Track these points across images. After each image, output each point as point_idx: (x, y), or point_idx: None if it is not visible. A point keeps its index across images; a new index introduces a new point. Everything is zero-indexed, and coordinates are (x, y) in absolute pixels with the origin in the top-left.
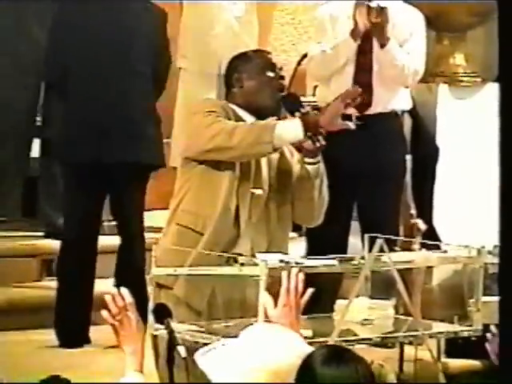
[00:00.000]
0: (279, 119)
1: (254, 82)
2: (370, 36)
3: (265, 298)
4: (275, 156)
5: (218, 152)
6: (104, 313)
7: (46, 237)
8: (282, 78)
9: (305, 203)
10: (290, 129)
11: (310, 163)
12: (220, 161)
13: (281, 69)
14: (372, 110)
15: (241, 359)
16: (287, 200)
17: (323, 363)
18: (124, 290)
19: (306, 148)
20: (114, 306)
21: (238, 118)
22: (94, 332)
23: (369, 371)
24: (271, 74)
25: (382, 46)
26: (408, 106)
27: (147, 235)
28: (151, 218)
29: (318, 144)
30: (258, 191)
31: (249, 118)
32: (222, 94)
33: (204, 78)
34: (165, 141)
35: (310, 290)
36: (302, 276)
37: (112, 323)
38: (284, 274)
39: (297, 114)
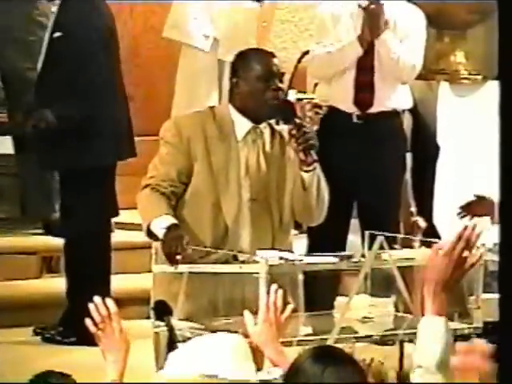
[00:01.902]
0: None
1: (250, 88)
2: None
3: (246, 316)
4: (276, 154)
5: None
6: (87, 321)
7: (45, 234)
8: (280, 89)
9: (303, 209)
10: (157, 228)
11: (305, 170)
12: (214, 158)
13: (281, 76)
14: (373, 109)
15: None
16: (288, 203)
17: (314, 363)
18: (109, 300)
19: (300, 158)
20: (97, 314)
21: (228, 123)
22: None
23: (361, 371)
24: (267, 84)
25: (376, 35)
26: (409, 104)
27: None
28: None
29: (309, 159)
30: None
31: (245, 122)
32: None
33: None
34: (157, 138)
35: (291, 306)
36: (280, 292)
37: (94, 331)
38: (262, 290)
39: (289, 126)
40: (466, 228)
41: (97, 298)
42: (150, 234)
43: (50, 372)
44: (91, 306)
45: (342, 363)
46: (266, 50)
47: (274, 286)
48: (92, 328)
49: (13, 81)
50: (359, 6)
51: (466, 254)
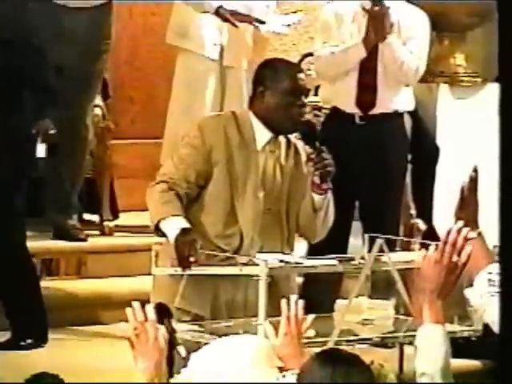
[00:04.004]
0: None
1: (277, 101)
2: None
3: (268, 329)
4: (289, 166)
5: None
6: (123, 325)
7: (53, 238)
8: (304, 105)
9: (308, 227)
10: (168, 228)
11: (318, 193)
12: (218, 182)
13: (307, 92)
14: (375, 110)
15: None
16: (296, 215)
17: (323, 365)
18: (148, 307)
19: (315, 182)
20: (133, 319)
21: (249, 131)
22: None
23: (369, 373)
24: (294, 99)
25: (382, 38)
26: (410, 106)
27: (147, 236)
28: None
29: (324, 186)
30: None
31: (265, 132)
32: (225, 84)
33: (205, 64)
34: (158, 140)
35: (311, 317)
36: (301, 303)
37: (128, 337)
38: (283, 302)
39: (309, 150)
40: (449, 232)
41: (135, 303)
42: (158, 230)
43: (43, 374)
44: (128, 310)
45: (352, 365)
46: (294, 63)
47: (294, 297)
48: (128, 333)
49: None
50: (363, 8)
51: (455, 258)
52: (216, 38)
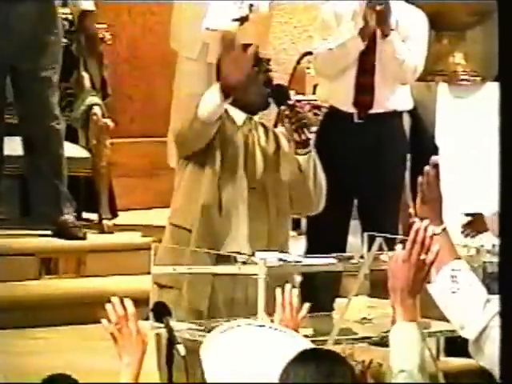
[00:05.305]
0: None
1: None
2: (374, 36)
3: (263, 318)
4: (271, 149)
5: (183, 135)
6: (104, 321)
7: (52, 236)
8: (269, 70)
9: (301, 194)
10: (208, 97)
11: (301, 154)
12: (204, 157)
13: (268, 61)
14: (373, 110)
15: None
16: (285, 193)
17: (306, 363)
18: (127, 301)
19: (295, 140)
20: (114, 314)
21: (227, 115)
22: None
23: (352, 372)
24: (256, 68)
25: (385, 35)
26: (409, 105)
27: (146, 234)
28: (149, 216)
29: (303, 137)
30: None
31: (239, 115)
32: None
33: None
34: (157, 139)
35: (307, 305)
36: (296, 291)
37: (111, 332)
38: (278, 291)
39: (282, 107)
40: (417, 231)
41: (114, 298)
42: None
43: (58, 375)
44: (108, 306)
45: (335, 363)
46: (246, 43)
47: (288, 285)
48: (109, 328)
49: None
50: (369, 7)
51: (423, 256)
52: (198, 35)
